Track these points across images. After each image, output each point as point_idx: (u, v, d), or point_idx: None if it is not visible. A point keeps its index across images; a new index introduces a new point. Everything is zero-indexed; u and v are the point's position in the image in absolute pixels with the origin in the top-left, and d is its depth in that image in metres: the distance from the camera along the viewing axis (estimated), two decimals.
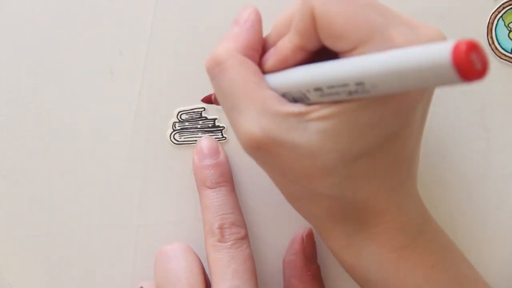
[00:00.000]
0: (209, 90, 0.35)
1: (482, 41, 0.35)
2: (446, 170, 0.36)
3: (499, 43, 0.35)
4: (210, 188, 0.34)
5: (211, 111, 0.36)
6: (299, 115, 0.26)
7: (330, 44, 0.26)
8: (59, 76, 0.36)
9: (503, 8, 0.35)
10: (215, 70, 0.28)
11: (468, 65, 0.19)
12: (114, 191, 0.36)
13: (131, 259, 0.36)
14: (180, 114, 0.36)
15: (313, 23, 0.26)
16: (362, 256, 0.29)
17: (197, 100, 0.36)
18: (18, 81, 0.36)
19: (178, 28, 0.35)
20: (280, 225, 0.36)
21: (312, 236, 0.35)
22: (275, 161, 0.27)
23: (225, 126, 0.36)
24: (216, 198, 0.33)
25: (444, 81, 0.21)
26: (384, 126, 0.26)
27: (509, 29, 0.35)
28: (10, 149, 0.36)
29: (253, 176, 0.36)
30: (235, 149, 0.36)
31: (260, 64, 0.29)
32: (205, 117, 0.36)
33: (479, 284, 0.30)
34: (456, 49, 0.19)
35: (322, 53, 0.27)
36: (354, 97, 0.24)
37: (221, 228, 0.32)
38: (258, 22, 0.30)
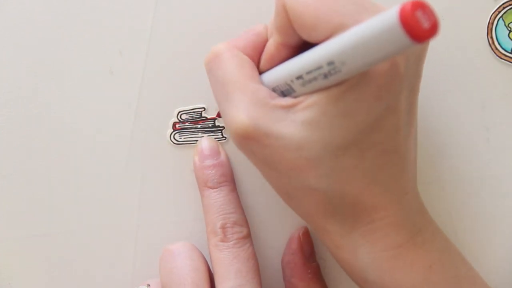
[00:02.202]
0: (209, 90, 0.35)
1: (482, 41, 0.35)
2: (446, 170, 0.36)
3: (499, 43, 0.35)
4: (212, 188, 0.34)
5: (211, 111, 0.36)
6: (287, 107, 0.27)
7: (306, 36, 0.27)
8: (59, 76, 0.36)
9: (503, 8, 0.35)
10: (212, 62, 0.30)
11: (415, 24, 0.20)
12: (114, 191, 0.36)
13: (131, 259, 0.36)
14: (180, 114, 0.36)
15: (287, 17, 0.27)
16: (358, 255, 0.29)
17: (197, 100, 0.36)
18: (18, 81, 0.36)
19: (178, 28, 0.35)
20: (280, 225, 0.36)
21: (309, 234, 0.35)
22: (262, 152, 0.28)
23: (225, 126, 0.36)
24: (217, 198, 0.33)
25: (398, 46, 0.21)
26: (366, 113, 0.26)
27: (509, 29, 0.35)
28: (10, 149, 0.36)
29: (253, 176, 0.36)
30: (235, 149, 0.36)
31: (258, 67, 0.31)
32: (205, 117, 0.36)
33: (478, 286, 0.30)
34: (402, 10, 0.20)
35: (306, 48, 0.27)
36: (330, 80, 0.25)
37: (223, 227, 0.32)
38: (264, 33, 0.31)
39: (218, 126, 0.36)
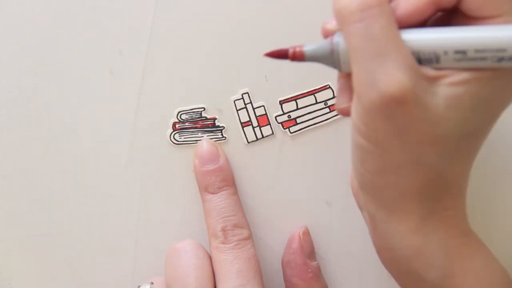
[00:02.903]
0: (209, 90, 0.35)
1: None
2: None
3: None
4: (212, 194, 0.34)
5: (211, 111, 0.36)
6: (432, 79, 0.26)
7: (475, 5, 0.25)
8: (59, 76, 0.36)
9: None
10: (364, 14, 0.26)
11: None
12: (114, 191, 0.36)
13: (131, 259, 0.36)
14: (180, 114, 0.36)
15: None
16: (429, 240, 0.29)
17: (196, 100, 0.36)
18: (18, 81, 0.36)
19: (178, 28, 0.35)
20: (280, 225, 0.36)
21: (309, 234, 0.36)
22: (404, 120, 0.26)
23: (224, 126, 0.36)
24: (218, 202, 0.34)
25: None
26: (506, 102, 0.26)
27: None
28: (10, 149, 0.36)
29: (253, 176, 0.36)
30: (235, 149, 0.36)
31: None
32: (205, 117, 0.36)
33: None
34: None
35: (442, 20, 0.26)
36: (502, 64, 0.24)
37: (224, 230, 0.32)
38: None
39: (218, 126, 0.36)
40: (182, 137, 0.36)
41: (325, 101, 0.36)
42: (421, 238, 0.29)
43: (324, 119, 0.36)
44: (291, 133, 0.36)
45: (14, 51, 0.36)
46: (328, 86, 0.36)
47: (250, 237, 0.33)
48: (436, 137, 0.26)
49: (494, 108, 0.26)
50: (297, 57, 0.29)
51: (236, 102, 0.36)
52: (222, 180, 0.34)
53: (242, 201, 0.36)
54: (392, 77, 0.25)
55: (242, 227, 0.33)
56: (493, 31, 0.24)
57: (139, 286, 0.33)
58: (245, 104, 0.36)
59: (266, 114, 0.36)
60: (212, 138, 0.36)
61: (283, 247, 0.36)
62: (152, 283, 0.33)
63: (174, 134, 0.36)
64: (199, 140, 0.36)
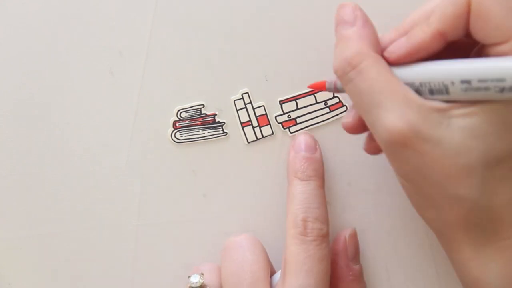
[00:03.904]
0: (209, 90, 0.36)
1: None
2: None
3: None
4: (300, 180, 0.33)
5: (211, 108, 0.36)
6: (442, 110, 0.26)
7: (481, 32, 0.26)
8: (59, 76, 0.36)
9: None
10: (350, 73, 0.28)
11: None
12: (114, 191, 0.36)
13: (131, 259, 0.36)
14: (179, 112, 0.36)
15: (466, 9, 0.26)
16: (488, 270, 0.28)
17: (197, 100, 0.36)
18: (18, 81, 0.36)
19: (178, 28, 0.35)
20: (280, 225, 0.36)
21: (356, 237, 0.35)
22: (417, 159, 0.27)
23: (225, 122, 0.36)
24: (304, 190, 0.33)
25: None
26: None
27: None
28: (10, 149, 0.36)
29: (253, 176, 0.36)
30: (236, 146, 0.36)
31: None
32: (204, 113, 0.36)
33: None
34: None
35: (450, 50, 0.27)
36: (504, 95, 0.24)
37: (304, 220, 0.32)
38: (367, 17, 0.29)
39: (219, 122, 0.36)
40: (183, 135, 0.36)
41: (325, 101, 0.36)
42: (479, 268, 0.28)
43: (324, 119, 0.36)
44: (291, 133, 0.36)
45: (14, 51, 0.36)
46: None
47: (327, 235, 0.32)
48: (462, 169, 0.26)
49: None
50: (334, 90, 0.32)
51: (236, 102, 0.36)
52: (314, 169, 0.33)
53: (242, 201, 0.36)
54: (388, 125, 0.26)
55: (323, 222, 0.32)
56: (494, 61, 0.25)
57: (189, 277, 0.33)
58: (245, 104, 0.36)
59: (266, 114, 0.36)
60: (213, 135, 0.36)
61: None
62: (202, 273, 0.33)
63: (175, 132, 0.36)
64: (200, 137, 0.36)
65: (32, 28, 0.35)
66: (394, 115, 0.26)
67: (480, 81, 0.25)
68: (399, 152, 0.27)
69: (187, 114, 0.36)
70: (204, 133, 0.36)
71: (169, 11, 0.35)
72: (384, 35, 0.30)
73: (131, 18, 0.35)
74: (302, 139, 0.34)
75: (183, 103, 0.36)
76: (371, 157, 0.34)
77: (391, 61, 0.28)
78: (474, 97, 0.25)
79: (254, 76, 0.35)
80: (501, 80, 0.24)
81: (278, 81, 0.35)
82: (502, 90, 0.24)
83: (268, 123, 0.36)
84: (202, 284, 0.32)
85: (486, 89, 0.25)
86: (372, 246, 0.36)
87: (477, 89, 0.25)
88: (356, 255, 0.35)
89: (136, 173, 0.36)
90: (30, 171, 0.36)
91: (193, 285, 0.32)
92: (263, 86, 0.35)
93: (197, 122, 0.36)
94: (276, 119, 0.36)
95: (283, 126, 0.36)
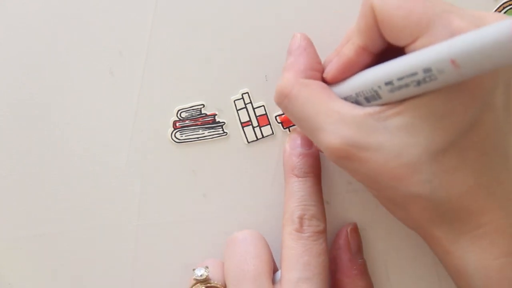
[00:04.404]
0: (209, 90, 0.36)
1: None
2: None
3: None
4: (297, 177, 0.33)
5: (211, 108, 0.36)
6: (376, 114, 0.27)
7: (392, 37, 0.27)
8: (59, 76, 0.36)
9: (503, 8, 0.35)
10: (284, 102, 0.30)
11: None
12: (114, 191, 0.36)
13: (131, 259, 0.36)
14: (179, 112, 0.36)
15: (374, 19, 0.27)
16: (466, 261, 0.28)
17: (197, 100, 0.36)
18: (18, 81, 0.36)
19: (178, 28, 0.35)
20: (280, 225, 0.36)
21: (357, 231, 0.35)
22: (363, 167, 0.27)
23: (225, 122, 0.36)
24: (301, 187, 0.33)
25: (508, 58, 0.21)
26: (463, 113, 0.26)
27: None
28: (10, 149, 0.36)
29: (253, 176, 0.36)
30: (236, 146, 0.36)
31: (323, 79, 0.31)
32: (204, 113, 0.36)
33: None
34: None
35: (383, 58, 0.28)
36: (422, 88, 0.25)
37: (301, 218, 0.32)
38: (309, 44, 0.31)
39: (219, 122, 0.36)
40: (183, 135, 0.36)
41: None
42: (458, 260, 0.28)
43: None
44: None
45: (14, 51, 0.36)
46: None
47: (324, 231, 0.32)
48: (407, 168, 0.26)
49: (456, 120, 0.26)
50: None
51: (236, 102, 0.36)
52: (310, 165, 0.33)
53: (242, 201, 0.36)
54: (327, 144, 0.28)
55: (319, 219, 0.32)
56: (406, 58, 0.26)
57: (194, 269, 0.33)
58: (245, 104, 0.36)
59: (266, 114, 0.36)
60: (213, 135, 0.36)
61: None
62: (207, 267, 0.33)
63: (175, 132, 0.36)
64: (200, 137, 0.36)
65: (32, 28, 0.35)
66: (330, 134, 0.28)
67: (399, 79, 0.26)
68: (346, 165, 0.28)
69: (187, 114, 0.36)
70: (204, 133, 0.36)
71: (169, 11, 0.35)
72: (328, 57, 0.31)
73: (131, 18, 0.35)
74: (297, 135, 0.34)
75: (183, 103, 0.36)
76: None
77: (329, 81, 0.30)
78: (401, 96, 0.26)
79: (254, 76, 0.35)
80: (414, 74, 0.25)
81: (278, 81, 0.35)
82: (418, 83, 0.25)
83: (268, 123, 0.36)
84: (207, 277, 0.32)
85: (407, 85, 0.25)
86: (372, 246, 0.36)
87: (400, 87, 0.26)
88: (359, 249, 0.35)
89: (136, 173, 0.36)
90: (30, 171, 0.36)
91: (197, 278, 0.32)
92: (263, 86, 0.36)
93: (197, 122, 0.36)
94: (276, 119, 0.36)
95: (283, 126, 0.36)
